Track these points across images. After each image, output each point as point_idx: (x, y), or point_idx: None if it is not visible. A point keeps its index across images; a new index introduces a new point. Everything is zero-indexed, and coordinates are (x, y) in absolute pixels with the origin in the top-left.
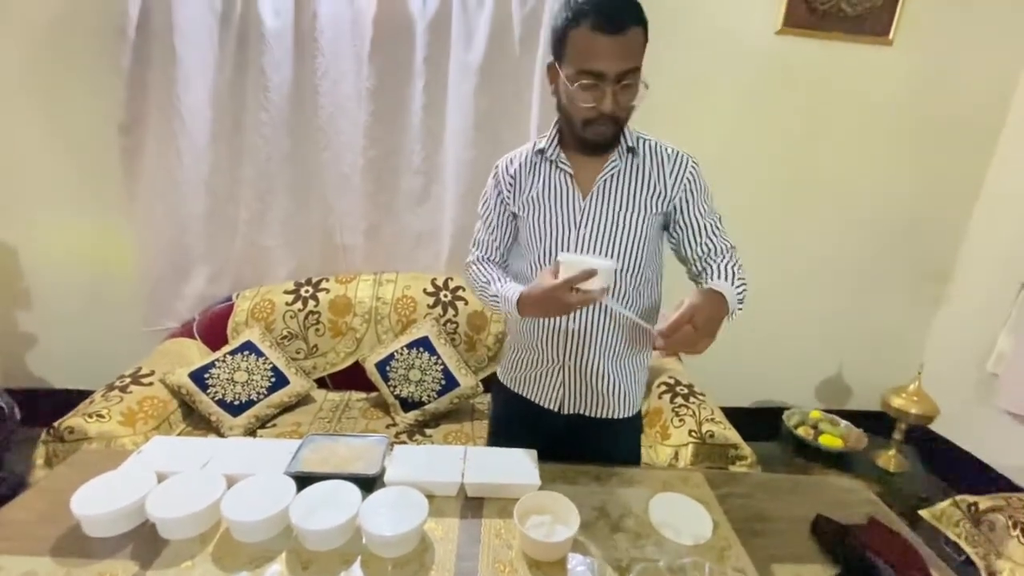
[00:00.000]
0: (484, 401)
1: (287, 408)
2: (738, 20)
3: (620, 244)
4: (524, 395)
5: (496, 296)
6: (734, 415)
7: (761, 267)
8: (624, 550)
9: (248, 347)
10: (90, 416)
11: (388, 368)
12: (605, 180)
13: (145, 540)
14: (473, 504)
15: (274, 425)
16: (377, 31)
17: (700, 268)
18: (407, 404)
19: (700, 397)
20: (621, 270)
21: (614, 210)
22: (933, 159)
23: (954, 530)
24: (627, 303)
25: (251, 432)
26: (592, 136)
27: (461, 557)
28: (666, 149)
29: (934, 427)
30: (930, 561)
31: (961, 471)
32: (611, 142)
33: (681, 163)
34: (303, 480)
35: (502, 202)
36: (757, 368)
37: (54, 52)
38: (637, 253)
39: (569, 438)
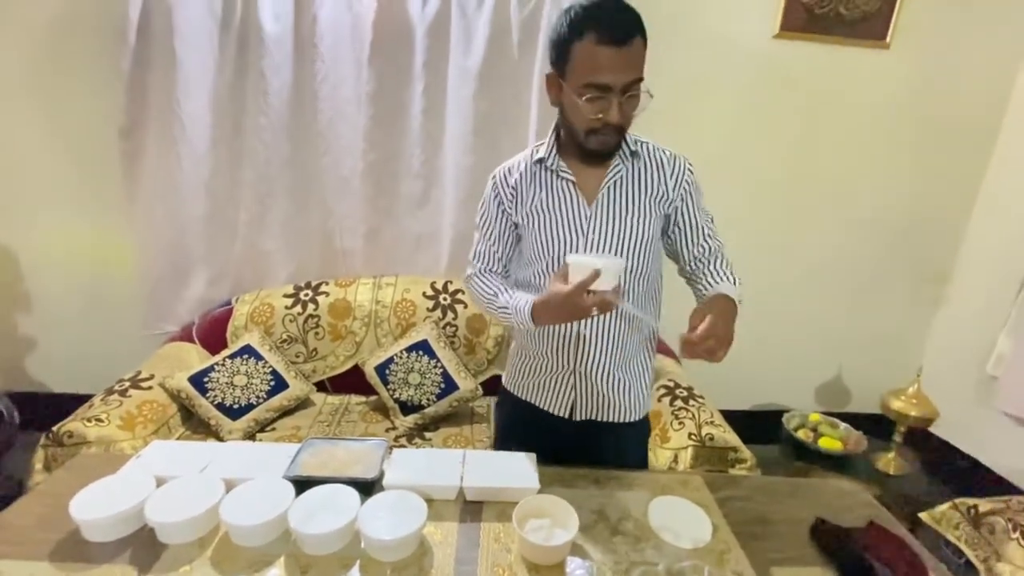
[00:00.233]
0: (484, 404)
1: (286, 412)
2: (736, 24)
3: (627, 248)
4: (532, 402)
5: (506, 308)
6: (734, 418)
7: (760, 270)
8: (623, 553)
9: (247, 351)
10: (89, 420)
11: (387, 372)
12: (609, 186)
13: (144, 544)
14: (472, 508)
15: (273, 429)
16: (376, 36)
17: (693, 268)
18: (406, 408)
19: (699, 400)
20: (629, 272)
21: (620, 215)
22: (931, 161)
23: (954, 533)
24: (635, 303)
25: (250, 436)
26: (596, 146)
27: (460, 561)
28: (664, 152)
29: (934, 429)
30: (930, 564)
31: (961, 473)
32: (613, 150)
33: (679, 165)
34: (302, 484)
35: (503, 212)
36: (757, 371)
37: (55, 56)
38: (644, 255)
39: (579, 445)
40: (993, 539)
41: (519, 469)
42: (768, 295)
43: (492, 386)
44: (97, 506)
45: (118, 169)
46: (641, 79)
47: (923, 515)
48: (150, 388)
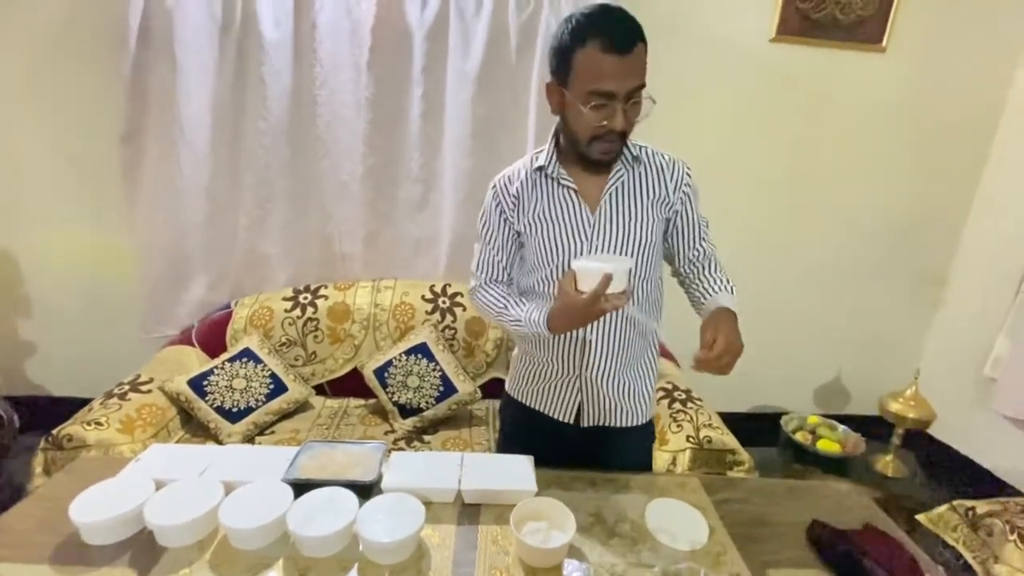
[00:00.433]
0: (483, 407)
1: (286, 415)
2: (733, 28)
3: (631, 253)
4: (537, 408)
5: (518, 320)
6: (732, 420)
7: (758, 273)
8: (620, 556)
9: (247, 354)
10: (89, 424)
11: (386, 375)
12: (611, 192)
13: (143, 547)
14: (470, 510)
15: (272, 432)
16: (375, 41)
17: (687, 271)
18: (405, 411)
19: (698, 402)
20: (634, 276)
21: (623, 221)
22: (928, 164)
23: (952, 535)
24: (639, 306)
25: (250, 439)
26: (599, 154)
27: (458, 563)
28: (663, 156)
29: (932, 431)
30: (926, 566)
31: (959, 475)
32: (616, 157)
33: (678, 169)
34: (300, 487)
35: (505, 220)
36: (755, 373)
37: (56, 61)
38: (648, 260)
39: (584, 450)
40: (991, 541)
41: (517, 472)
42: (766, 297)
43: (491, 389)
44: (96, 509)
45: (118, 173)
46: (644, 85)
47: (921, 517)
48: (149, 391)
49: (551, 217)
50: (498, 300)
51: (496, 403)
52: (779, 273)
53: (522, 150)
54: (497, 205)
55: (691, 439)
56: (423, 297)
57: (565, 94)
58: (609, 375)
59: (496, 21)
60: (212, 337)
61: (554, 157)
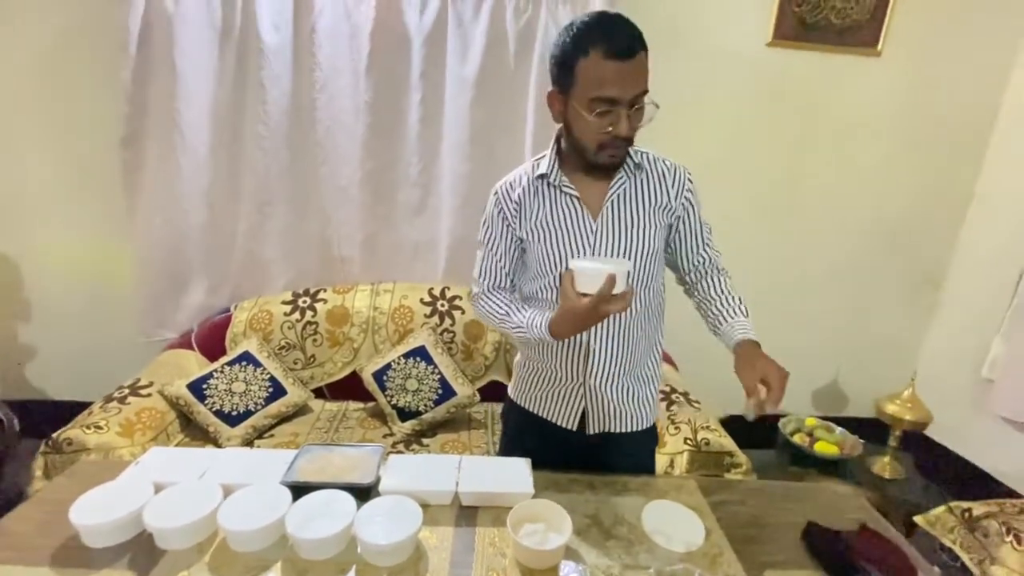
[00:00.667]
0: (481, 410)
1: (285, 418)
2: (729, 32)
3: (634, 260)
4: (540, 414)
5: (521, 327)
6: (730, 423)
7: (755, 276)
8: (616, 557)
9: (246, 358)
10: (88, 427)
11: (385, 378)
12: (613, 200)
13: (143, 550)
14: (467, 513)
15: (272, 435)
16: (374, 46)
17: (693, 280)
18: (404, 414)
19: (696, 405)
20: (635, 283)
21: (625, 228)
22: (924, 167)
23: (949, 536)
24: (642, 313)
25: (249, 442)
26: (606, 160)
27: (455, 565)
28: (664, 162)
29: (931, 433)
30: (921, 567)
31: (957, 477)
32: (621, 162)
33: (680, 176)
34: (299, 490)
35: (507, 227)
36: None
37: (57, 67)
38: (650, 266)
39: (587, 456)
40: (987, 542)
41: (514, 474)
42: (764, 301)
43: (490, 392)
44: (96, 512)
45: (118, 178)
46: (647, 91)
47: (918, 518)
48: (149, 395)
49: (553, 224)
50: (500, 307)
51: (495, 406)
52: (777, 276)
53: (520, 154)
54: (499, 212)
55: (689, 441)
56: (422, 300)
57: (568, 102)
58: (613, 381)
59: (494, 27)
60: (211, 341)
61: (556, 164)
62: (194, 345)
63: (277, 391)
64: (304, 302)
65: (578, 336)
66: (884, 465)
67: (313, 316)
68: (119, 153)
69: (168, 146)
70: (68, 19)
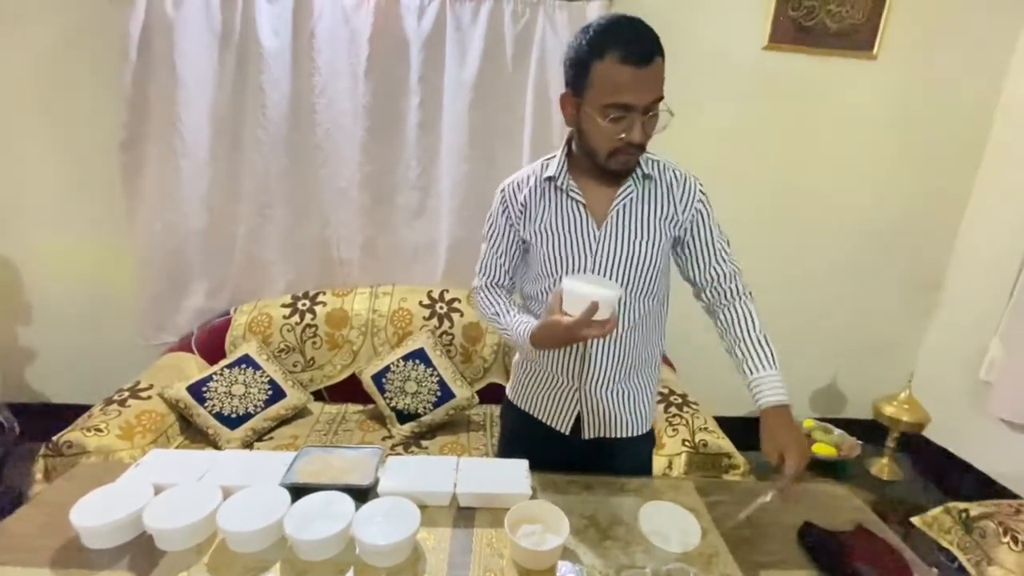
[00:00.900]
0: (480, 413)
1: (284, 421)
2: (726, 36)
3: (635, 269)
4: (536, 416)
5: (507, 329)
6: (728, 424)
7: (754, 279)
8: (613, 558)
9: (245, 360)
10: (89, 430)
11: (384, 380)
12: (618, 209)
13: (142, 551)
14: (465, 514)
15: (271, 438)
16: (373, 50)
17: (710, 298)
18: (403, 416)
19: (694, 406)
20: (637, 293)
21: (629, 237)
22: (922, 169)
23: (946, 537)
24: (642, 322)
25: (248, 445)
26: (617, 166)
27: (453, 566)
28: (673, 171)
29: (929, 435)
30: (916, 567)
31: (955, 478)
32: (633, 168)
33: (690, 187)
34: (298, 491)
35: (511, 227)
36: None
37: (58, 71)
38: (652, 276)
39: (582, 459)
40: (984, 543)
41: (511, 475)
42: (762, 303)
43: (488, 394)
44: (97, 513)
45: (119, 182)
46: (662, 97)
47: (915, 519)
48: (149, 398)
49: (557, 229)
50: (492, 305)
51: (493, 408)
52: (774, 278)
53: (517, 157)
54: (504, 210)
55: (687, 443)
56: (421, 303)
57: (581, 106)
58: (609, 386)
59: (492, 31)
60: (211, 344)
61: (564, 167)
62: (194, 348)
63: (276, 394)
64: (303, 305)
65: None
66: (882, 466)
67: (312, 319)
68: (119, 157)
69: (168, 149)
70: (69, 23)
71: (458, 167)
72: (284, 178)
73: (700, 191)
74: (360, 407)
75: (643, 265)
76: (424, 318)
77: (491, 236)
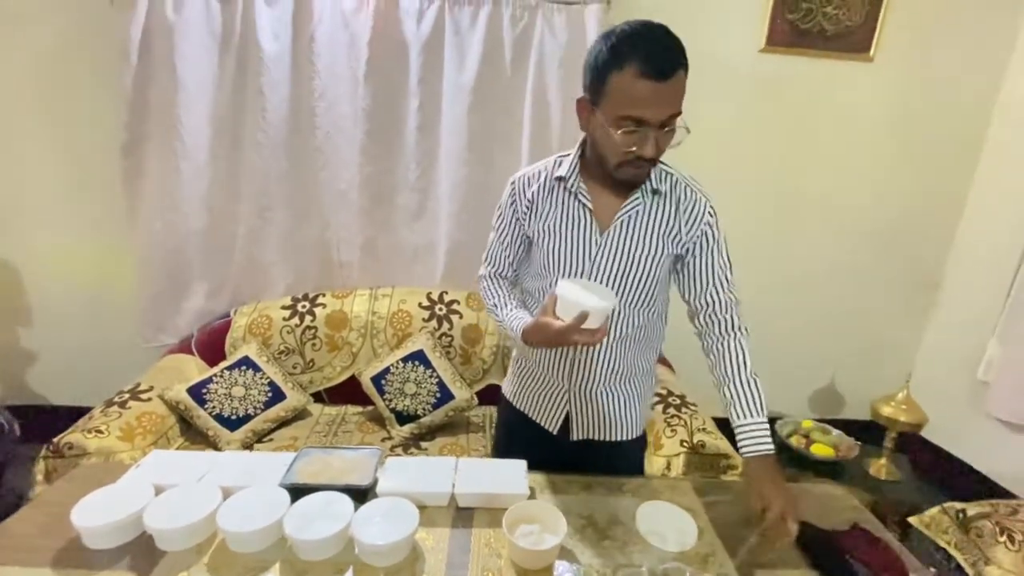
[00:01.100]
0: (479, 414)
1: (284, 423)
2: (723, 39)
3: (632, 280)
4: (529, 415)
5: (503, 322)
6: (727, 425)
7: (752, 280)
8: (611, 557)
9: (245, 362)
10: (89, 432)
11: (384, 382)
12: (623, 219)
13: (143, 551)
14: (464, 514)
15: (271, 440)
16: (372, 53)
17: (704, 326)
18: (402, 417)
19: (692, 407)
20: (632, 304)
21: (630, 248)
22: (920, 170)
23: (944, 537)
24: (636, 333)
25: (248, 446)
26: (626, 177)
27: (451, 566)
28: (685, 188)
29: (927, 435)
30: (912, 566)
31: (953, 478)
32: (644, 180)
33: (699, 208)
34: (297, 492)
35: (517, 220)
36: None
37: (59, 74)
38: (649, 289)
39: (573, 457)
40: (981, 543)
41: (510, 476)
42: (760, 305)
43: (488, 395)
44: (97, 514)
45: (119, 184)
46: (679, 113)
47: (913, 520)
48: (149, 400)
49: (561, 230)
50: (493, 296)
51: (493, 409)
52: (772, 279)
53: (516, 160)
54: (512, 203)
55: (685, 443)
56: (420, 304)
57: (596, 113)
58: (598, 390)
59: (491, 35)
60: (211, 346)
61: (576, 169)
62: (194, 350)
63: (276, 395)
64: (303, 307)
65: (567, 348)
66: (880, 467)
67: (312, 321)
68: (120, 159)
69: (169, 152)
70: (69, 24)
71: (457, 170)
72: (284, 180)
73: (709, 213)
74: (360, 409)
75: (641, 277)
76: (423, 320)
77: (499, 226)
